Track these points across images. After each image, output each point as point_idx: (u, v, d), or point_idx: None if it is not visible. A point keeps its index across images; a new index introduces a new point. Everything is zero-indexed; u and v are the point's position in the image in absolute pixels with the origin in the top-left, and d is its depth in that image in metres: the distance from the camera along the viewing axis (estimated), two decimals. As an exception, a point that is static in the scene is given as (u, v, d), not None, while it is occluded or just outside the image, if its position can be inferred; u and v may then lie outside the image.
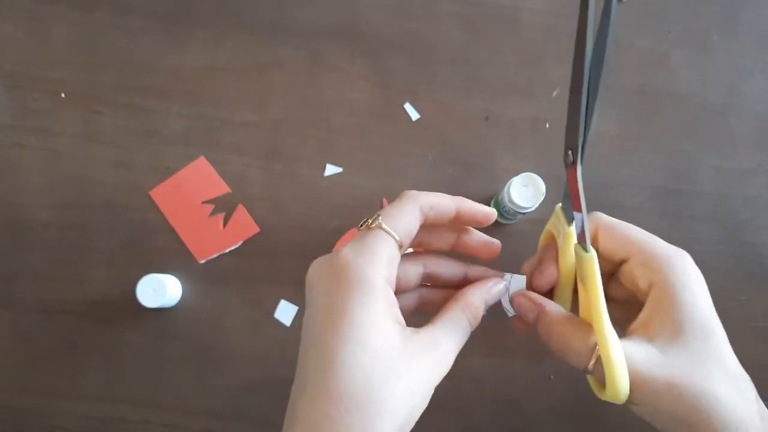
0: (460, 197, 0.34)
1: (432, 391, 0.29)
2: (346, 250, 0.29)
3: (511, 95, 0.61)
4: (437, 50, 0.62)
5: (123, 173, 0.59)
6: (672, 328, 0.31)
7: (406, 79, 0.61)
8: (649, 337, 0.31)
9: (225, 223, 0.59)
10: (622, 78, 0.61)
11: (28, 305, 0.58)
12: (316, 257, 0.63)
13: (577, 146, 0.31)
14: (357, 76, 0.61)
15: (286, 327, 0.57)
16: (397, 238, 0.30)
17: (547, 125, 0.61)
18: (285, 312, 0.57)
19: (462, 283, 0.35)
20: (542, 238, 0.38)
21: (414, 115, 0.61)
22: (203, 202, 0.59)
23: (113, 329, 0.57)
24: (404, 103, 0.61)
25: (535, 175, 0.52)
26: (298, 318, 0.58)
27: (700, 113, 0.61)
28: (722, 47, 0.62)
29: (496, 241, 0.35)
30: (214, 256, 0.58)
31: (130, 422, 0.56)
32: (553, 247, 0.36)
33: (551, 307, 0.33)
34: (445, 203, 0.33)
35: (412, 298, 0.36)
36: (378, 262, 0.29)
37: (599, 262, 0.31)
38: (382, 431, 0.26)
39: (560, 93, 0.61)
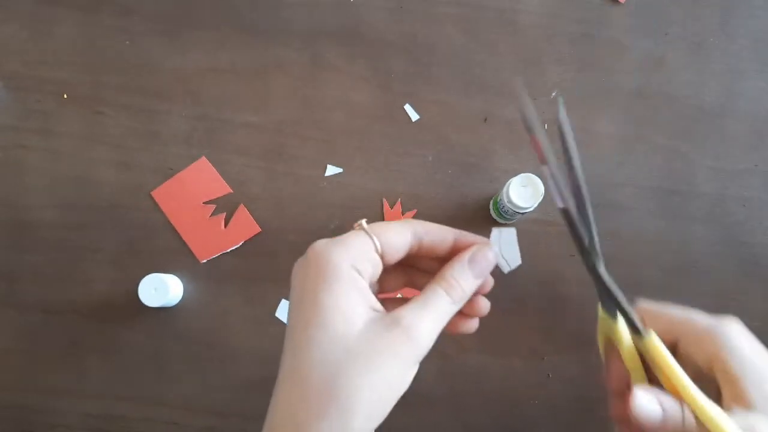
0: (462, 231, 0.33)
1: (406, 373, 0.28)
2: (320, 241, 0.30)
3: (510, 96, 0.61)
4: (437, 52, 0.62)
5: (125, 174, 0.60)
6: (743, 402, 0.31)
7: (406, 80, 0.62)
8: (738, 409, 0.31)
9: (226, 223, 0.59)
10: (619, 80, 0.62)
11: (30, 305, 0.58)
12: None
13: (591, 253, 0.31)
14: (357, 77, 0.62)
15: (287, 326, 0.58)
16: (375, 240, 0.30)
17: (546, 126, 0.61)
18: (286, 311, 0.58)
19: (451, 254, 0.33)
20: (601, 346, 0.37)
21: (414, 116, 0.61)
22: (204, 203, 0.59)
23: (115, 328, 0.58)
24: (404, 104, 0.61)
25: (533, 176, 0.52)
26: (299, 317, 0.58)
27: (697, 114, 0.62)
28: (719, 49, 0.63)
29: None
30: (216, 255, 0.59)
31: (132, 420, 0.57)
32: (613, 347, 0.35)
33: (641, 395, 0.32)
34: (441, 231, 0.32)
35: (397, 281, 0.35)
36: (345, 251, 0.29)
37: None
38: (337, 412, 0.26)
39: (558, 94, 0.61)
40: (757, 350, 0.33)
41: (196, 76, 0.61)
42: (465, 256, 0.32)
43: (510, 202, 0.52)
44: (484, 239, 0.34)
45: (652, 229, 0.60)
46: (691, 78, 0.62)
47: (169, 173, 0.60)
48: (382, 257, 0.31)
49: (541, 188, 0.52)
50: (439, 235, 0.33)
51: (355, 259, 0.29)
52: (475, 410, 0.57)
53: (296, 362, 0.27)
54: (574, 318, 0.59)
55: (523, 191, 0.52)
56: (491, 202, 0.58)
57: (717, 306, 0.58)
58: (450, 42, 0.62)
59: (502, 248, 0.34)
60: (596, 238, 0.31)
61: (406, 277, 0.36)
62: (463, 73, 0.62)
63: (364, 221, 0.31)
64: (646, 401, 0.31)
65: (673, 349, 0.34)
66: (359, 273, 0.29)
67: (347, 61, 0.62)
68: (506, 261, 0.34)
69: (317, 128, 0.61)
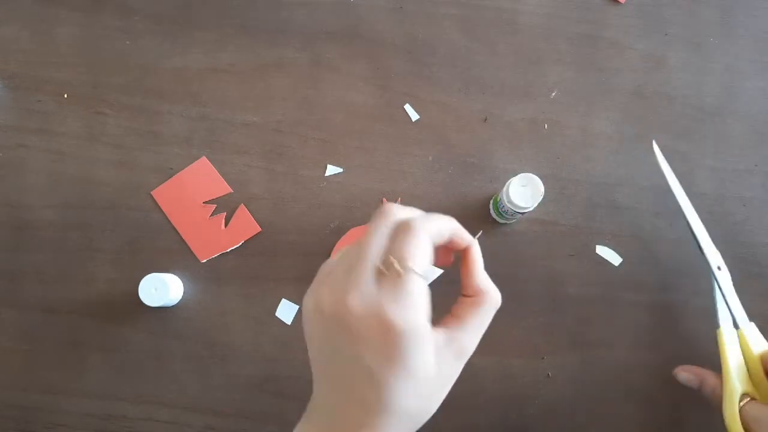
0: (451, 218, 0.33)
1: None
2: (390, 304, 0.29)
3: (509, 96, 0.61)
4: (437, 52, 0.62)
5: (125, 174, 0.60)
6: None
7: (406, 80, 0.62)
8: None
9: (226, 223, 0.59)
10: (619, 79, 0.62)
11: (31, 304, 0.58)
12: (316, 257, 0.64)
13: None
14: (357, 77, 0.62)
15: (287, 326, 0.58)
16: (425, 278, 0.31)
17: (546, 126, 0.61)
18: (286, 311, 0.58)
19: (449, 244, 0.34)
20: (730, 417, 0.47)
21: (414, 116, 0.61)
22: (205, 202, 0.59)
23: (116, 328, 0.58)
24: (404, 104, 0.61)
25: (533, 176, 0.52)
26: (299, 317, 0.58)
27: (696, 114, 0.62)
28: (718, 49, 0.63)
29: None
30: (216, 255, 0.59)
31: (133, 419, 0.57)
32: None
33: (710, 376, 0.50)
34: (444, 227, 0.33)
35: None
36: (422, 311, 0.30)
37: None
38: None
39: (558, 94, 0.61)
40: None
41: (196, 76, 0.61)
42: (479, 262, 0.34)
43: (510, 202, 0.52)
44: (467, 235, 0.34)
45: (651, 228, 0.60)
46: (691, 78, 0.62)
47: (169, 173, 0.60)
48: None
49: (541, 188, 0.52)
50: (443, 231, 0.33)
51: (426, 312, 0.30)
52: (475, 410, 0.57)
53: (389, 402, 0.31)
54: (574, 318, 0.59)
55: (523, 191, 0.52)
56: (491, 202, 0.58)
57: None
58: (450, 42, 0.62)
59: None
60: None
61: None
62: (463, 73, 0.62)
63: (410, 264, 0.30)
64: (683, 376, 0.52)
65: None
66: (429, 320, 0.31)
67: (347, 61, 0.62)
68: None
69: (317, 128, 0.61)
